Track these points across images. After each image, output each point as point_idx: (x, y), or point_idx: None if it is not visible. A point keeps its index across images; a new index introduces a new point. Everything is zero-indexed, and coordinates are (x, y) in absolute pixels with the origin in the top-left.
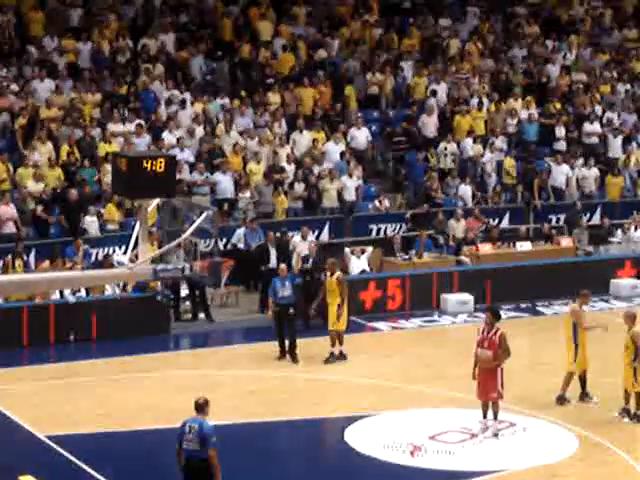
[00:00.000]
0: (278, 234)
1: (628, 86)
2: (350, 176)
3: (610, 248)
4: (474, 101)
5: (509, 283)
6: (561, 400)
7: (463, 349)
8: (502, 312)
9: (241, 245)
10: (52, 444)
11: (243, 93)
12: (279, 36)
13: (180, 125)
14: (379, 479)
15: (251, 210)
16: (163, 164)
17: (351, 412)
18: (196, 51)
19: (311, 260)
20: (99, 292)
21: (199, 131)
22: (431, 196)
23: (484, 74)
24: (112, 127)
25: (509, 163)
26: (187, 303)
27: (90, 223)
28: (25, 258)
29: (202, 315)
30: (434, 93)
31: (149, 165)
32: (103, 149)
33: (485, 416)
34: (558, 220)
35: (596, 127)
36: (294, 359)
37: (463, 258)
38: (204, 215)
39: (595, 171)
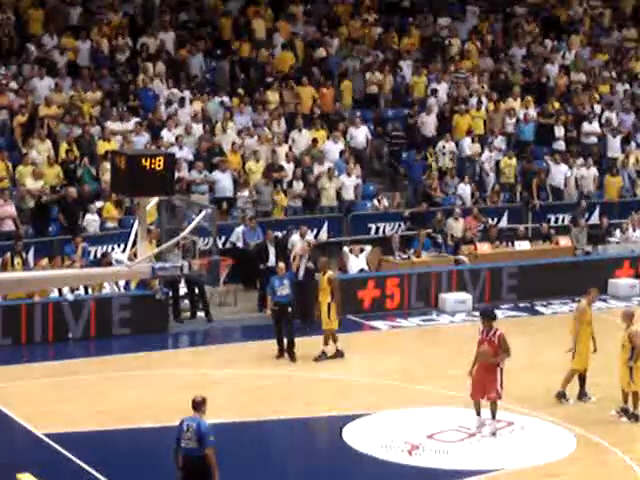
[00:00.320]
0: (279, 234)
1: (627, 86)
2: (349, 175)
3: (608, 248)
4: (473, 100)
5: (508, 283)
6: (560, 396)
7: (461, 348)
8: (500, 312)
9: (240, 244)
10: (50, 442)
11: (241, 91)
12: (278, 34)
13: (179, 123)
14: (377, 478)
15: (250, 209)
16: (162, 162)
17: (349, 411)
18: (195, 49)
19: (304, 261)
20: (97, 290)
21: (198, 129)
22: (430, 195)
23: (483, 73)
24: (110, 125)
25: (505, 163)
26: (186, 302)
27: (91, 221)
28: (24, 256)
29: (201, 314)
30: (435, 92)
31: (148, 163)
32: (102, 147)
33: (479, 413)
34: (557, 220)
35: (595, 127)
36: (292, 358)
37: (462, 257)
38: (203, 213)
39: (594, 171)
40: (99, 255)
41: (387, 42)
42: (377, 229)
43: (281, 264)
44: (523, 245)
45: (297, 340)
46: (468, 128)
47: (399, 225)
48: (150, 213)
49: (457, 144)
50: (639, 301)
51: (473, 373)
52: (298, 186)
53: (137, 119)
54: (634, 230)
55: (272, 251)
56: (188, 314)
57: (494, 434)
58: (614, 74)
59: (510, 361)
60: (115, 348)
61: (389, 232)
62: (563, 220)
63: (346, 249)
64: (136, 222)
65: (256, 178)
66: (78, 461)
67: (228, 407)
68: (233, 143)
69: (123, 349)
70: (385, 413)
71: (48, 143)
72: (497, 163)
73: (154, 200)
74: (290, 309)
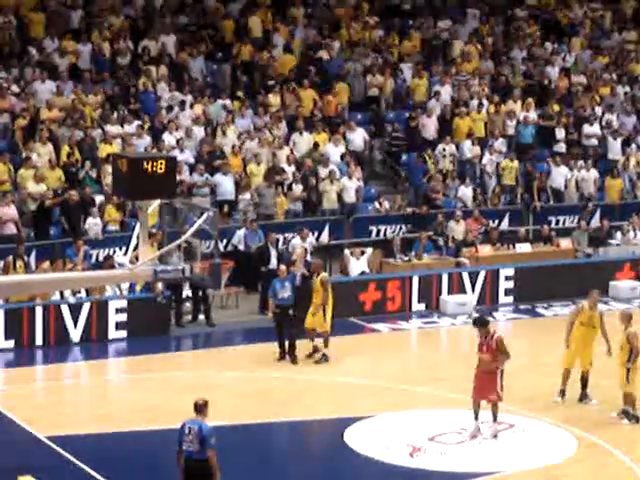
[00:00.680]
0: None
1: (627, 88)
2: (350, 178)
3: (609, 250)
4: (474, 103)
5: (509, 285)
6: (561, 394)
7: (462, 350)
8: (501, 314)
9: (241, 246)
10: (52, 445)
11: (240, 94)
12: (278, 36)
13: (180, 126)
14: None
15: (251, 211)
16: (163, 165)
17: (351, 413)
18: (196, 52)
19: (301, 265)
20: (99, 293)
21: (199, 132)
22: (430, 198)
23: (484, 76)
24: (110, 129)
25: (506, 165)
26: (187, 305)
27: (92, 224)
28: (26, 259)
29: (202, 317)
30: (437, 95)
31: (150, 166)
32: (104, 150)
33: (477, 417)
34: (558, 222)
35: (596, 129)
36: (293, 360)
37: (463, 260)
38: (204, 216)
39: (594, 173)
40: (101, 258)
41: (388, 45)
42: (378, 232)
43: (282, 267)
44: (524, 247)
45: (298, 343)
46: (468, 131)
47: (400, 228)
48: (152, 216)
49: (457, 146)
50: None
51: (474, 376)
52: (297, 189)
53: (139, 122)
54: (635, 232)
55: (273, 254)
56: (189, 317)
57: (495, 436)
58: (615, 76)
59: (511, 363)
60: (116, 351)
61: (390, 235)
62: (564, 222)
63: (347, 252)
64: (138, 225)
65: (257, 181)
66: (80, 464)
67: (230, 410)
68: (234, 146)
69: (124, 352)
70: (387, 415)
71: (49, 146)
72: (498, 165)
73: (155, 203)
74: (291, 312)
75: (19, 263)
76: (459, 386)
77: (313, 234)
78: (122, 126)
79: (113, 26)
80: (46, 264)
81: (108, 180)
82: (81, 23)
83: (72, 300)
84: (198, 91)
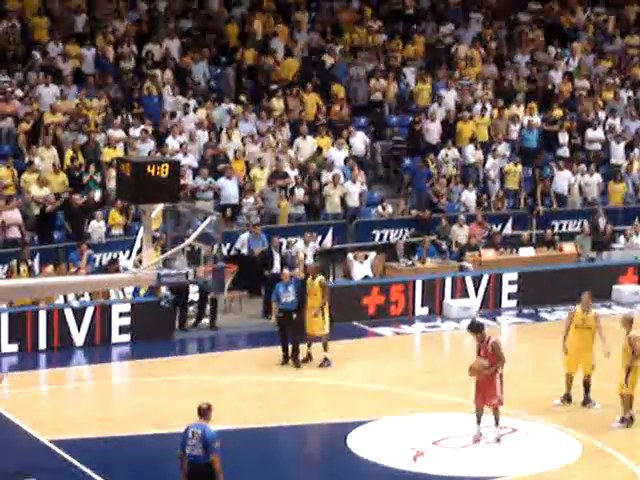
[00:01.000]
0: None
1: (631, 93)
2: (353, 182)
3: (612, 254)
4: (477, 107)
5: (512, 289)
6: (566, 399)
7: (466, 355)
8: (504, 318)
9: (244, 250)
10: (56, 448)
11: (244, 98)
12: (282, 41)
13: (184, 130)
14: None
15: (255, 215)
16: (167, 169)
17: (354, 417)
18: (200, 57)
19: (298, 270)
20: (103, 297)
21: (203, 136)
22: (433, 202)
23: (487, 80)
24: (114, 133)
25: (510, 169)
26: (191, 309)
27: (96, 228)
28: (30, 263)
29: (205, 320)
30: (440, 99)
31: (153, 170)
32: (107, 154)
33: (479, 421)
34: (561, 226)
35: (599, 133)
36: (297, 364)
37: (466, 264)
38: (208, 220)
39: (598, 177)
40: (104, 262)
41: (391, 49)
42: (381, 236)
43: (286, 271)
44: (527, 252)
45: (301, 347)
46: (471, 135)
47: (404, 232)
48: (155, 220)
49: (460, 151)
50: None
51: (475, 382)
52: (299, 193)
53: (143, 126)
54: (638, 236)
55: (277, 258)
56: (193, 320)
57: (499, 440)
58: (618, 81)
59: (515, 367)
60: (120, 355)
61: (394, 239)
62: (567, 227)
63: (350, 256)
64: (141, 229)
65: (261, 185)
66: (83, 467)
67: (233, 414)
68: (236, 150)
69: (128, 356)
70: (390, 419)
71: (53, 150)
72: (501, 170)
73: (159, 207)
74: (295, 316)
75: (23, 267)
76: (462, 390)
77: (316, 238)
78: (126, 130)
79: (117, 30)
80: (50, 268)
81: (112, 184)
82: (85, 27)
83: (76, 304)
84: (202, 95)
